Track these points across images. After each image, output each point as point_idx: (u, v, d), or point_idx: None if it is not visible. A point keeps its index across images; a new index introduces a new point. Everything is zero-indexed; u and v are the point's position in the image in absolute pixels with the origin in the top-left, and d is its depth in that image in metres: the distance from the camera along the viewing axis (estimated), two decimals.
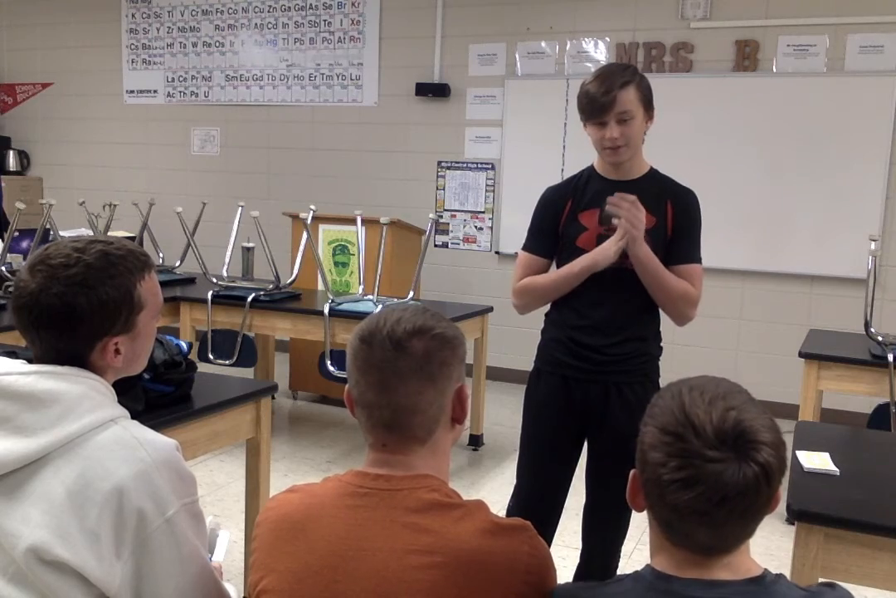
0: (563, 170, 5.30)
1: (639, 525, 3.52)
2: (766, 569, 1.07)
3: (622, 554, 2.40)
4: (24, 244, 4.73)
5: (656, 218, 2.23)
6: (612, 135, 2.15)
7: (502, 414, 4.90)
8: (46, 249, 1.30)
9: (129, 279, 1.29)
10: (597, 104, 2.14)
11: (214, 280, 4.43)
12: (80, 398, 1.23)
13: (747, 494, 0.99)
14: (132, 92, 6.83)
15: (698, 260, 2.32)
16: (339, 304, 4.08)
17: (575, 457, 2.36)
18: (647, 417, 1.08)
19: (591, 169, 2.33)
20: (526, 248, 2.36)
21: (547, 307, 2.41)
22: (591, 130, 2.21)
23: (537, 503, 2.34)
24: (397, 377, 1.18)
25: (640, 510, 1.11)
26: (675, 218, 2.25)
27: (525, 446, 2.40)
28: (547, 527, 2.31)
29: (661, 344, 2.36)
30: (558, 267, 2.32)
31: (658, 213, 2.24)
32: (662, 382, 1.14)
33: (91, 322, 1.26)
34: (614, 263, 2.20)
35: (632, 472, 1.11)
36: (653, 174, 2.32)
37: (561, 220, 2.29)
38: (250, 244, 4.93)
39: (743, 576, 1.04)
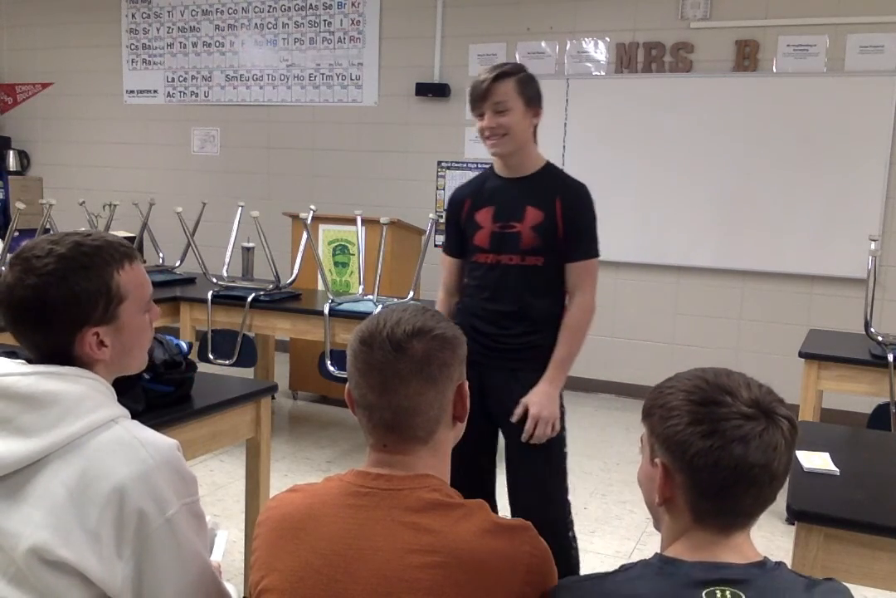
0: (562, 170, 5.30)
1: (638, 525, 3.54)
2: (766, 557, 1.12)
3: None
4: None
5: (544, 213, 2.31)
6: (487, 124, 2.27)
7: None
8: (25, 245, 1.30)
9: (106, 270, 1.28)
10: (474, 94, 2.28)
11: (214, 280, 4.43)
12: (81, 399, 1.23)
13: (788, 446, 1.09)
14: (132, 92, 6.83)
15: (594, 254, 2.38)
16: (339, 304, 4.09)
17: (493, 442, 2.43)
18: (668, 404, 1.11)
19: (490, 169, 2.44)
20: (442, 246, 2.54)
21: None
22: (476, 121, 2.32)
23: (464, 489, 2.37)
24: (398, 379, 1.18)
25: (662, 503, 1.13)
26: (564, 214, 2.31)
27: None
28: None
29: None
30: (466, 266, 2.46)
31: (546, 208, 2.31)
32: (659, 380, 1.17)
33: (65, 313, 1.25)
34: (516, 260, 2.32)
35: (659, 466, 1.12)
36: (547, 170, 2.40)
37: (461, 219, 2.42)
38: (250, 244, 4.94)
39: (747, 560, 1.09)
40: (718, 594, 1.03)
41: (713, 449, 1.06)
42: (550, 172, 2.39)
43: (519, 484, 2.40)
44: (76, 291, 1.25)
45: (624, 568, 1.13)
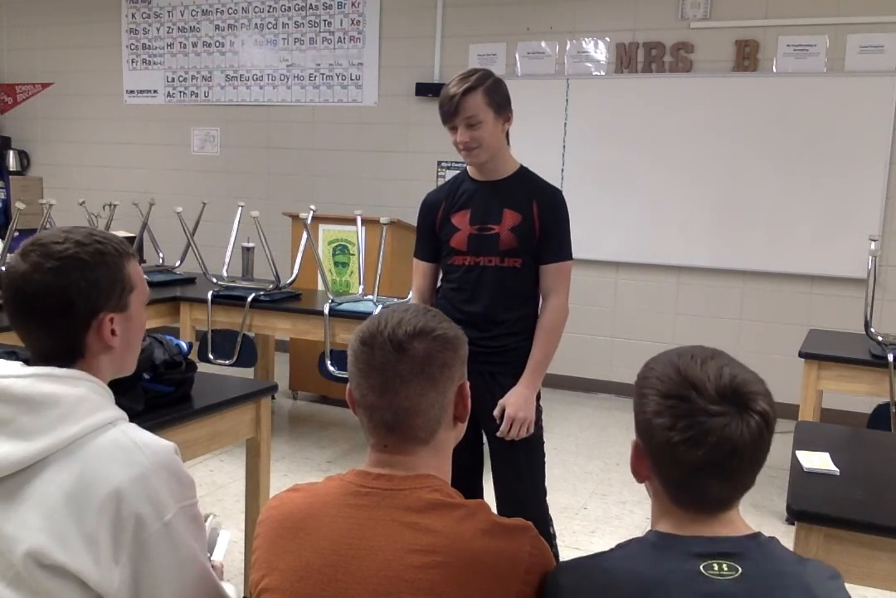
0: (563, 170, 5.30)
1: (638, 525, 3.54)
2: (759, 531, 1.13)
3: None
4: None
5: (522, 215, 2.35)
6: (462, 139, 2.30)
7: None
8: (36, 236, 1.31)
9: (119, 259, 1.31)
10: (444, 109, 2.30)
11: (214, 280, 4.43)
12: (79, 401, 1.22)
13: (753, 441, 1.06)
14: (132, 92, 6.83)
15: (568, 257, 2.43)
16: (339, 304, 4.09)
17: (479, 442, 2.47)
18: (643, 389, 1.12)
19: (464, 172, 2.47)
20: (414, 253, 2.54)
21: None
22: (449, 134, 2.35)
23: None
24: (399, 380, 1.18)
25: (641, 480, 1.16)
26: (541, 217, 2.36)
27: None
28: None
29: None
30: (442, 269, 2.48)
31: (524, 211, 2.35)
32: None
33: (88, 296, 1.26)
34: (495, 261, 2.35)
35: (633, 445, 1.15)
36: (521, 173, 2.43)
37: (437, 223, 2.44)
38: (250, 244, 4.93)
39: (741, 533, 1.10)
40: (716, 567, 1.05)
41: (672, 443, 1.06)
42: (526, 176, 2.42)
43: (500, 482, 2.44)
44: (97, 276, 1.27)
45: (620, 545, 1.14)
